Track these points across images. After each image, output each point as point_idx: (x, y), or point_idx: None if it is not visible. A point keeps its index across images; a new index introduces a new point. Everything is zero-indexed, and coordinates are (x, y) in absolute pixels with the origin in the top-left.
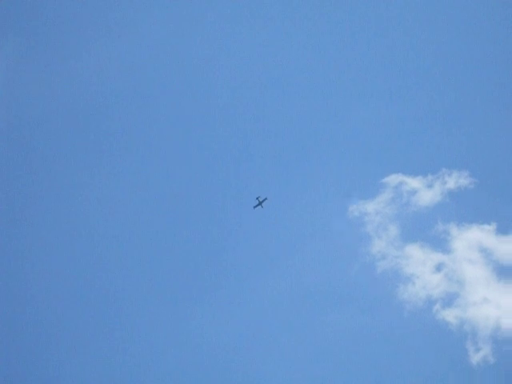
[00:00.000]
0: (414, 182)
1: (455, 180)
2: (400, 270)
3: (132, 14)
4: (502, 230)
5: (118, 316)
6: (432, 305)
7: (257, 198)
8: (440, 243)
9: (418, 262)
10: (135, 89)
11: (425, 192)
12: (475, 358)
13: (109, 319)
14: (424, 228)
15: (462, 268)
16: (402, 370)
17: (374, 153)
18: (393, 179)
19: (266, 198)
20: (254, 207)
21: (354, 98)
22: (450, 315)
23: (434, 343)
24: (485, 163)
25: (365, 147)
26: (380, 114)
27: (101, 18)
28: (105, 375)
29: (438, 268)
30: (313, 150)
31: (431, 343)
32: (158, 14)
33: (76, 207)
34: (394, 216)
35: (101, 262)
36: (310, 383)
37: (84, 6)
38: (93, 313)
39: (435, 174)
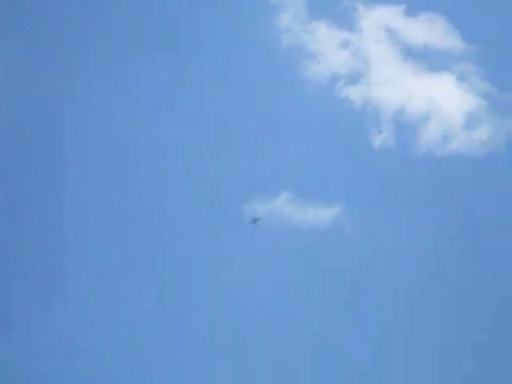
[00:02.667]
0: None
1: None
2: (304, 45)
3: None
4: (411, 12)
5: None
6: (336, 83)
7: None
8: (346, 21)
9: (324, 38)
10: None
11: None
12: (377, 141)
13: None
14: (330, 4)
15: (369, 47)
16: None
17: None
18: None
19: (258, 218)
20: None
21: None
22: (353, 93)
23: (336, 123)
24: None
25: None
26: None
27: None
28: None
29: (344, 46)
30: None
31: (334, 122)
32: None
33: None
34: None
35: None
36: None
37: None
38: None
39: None
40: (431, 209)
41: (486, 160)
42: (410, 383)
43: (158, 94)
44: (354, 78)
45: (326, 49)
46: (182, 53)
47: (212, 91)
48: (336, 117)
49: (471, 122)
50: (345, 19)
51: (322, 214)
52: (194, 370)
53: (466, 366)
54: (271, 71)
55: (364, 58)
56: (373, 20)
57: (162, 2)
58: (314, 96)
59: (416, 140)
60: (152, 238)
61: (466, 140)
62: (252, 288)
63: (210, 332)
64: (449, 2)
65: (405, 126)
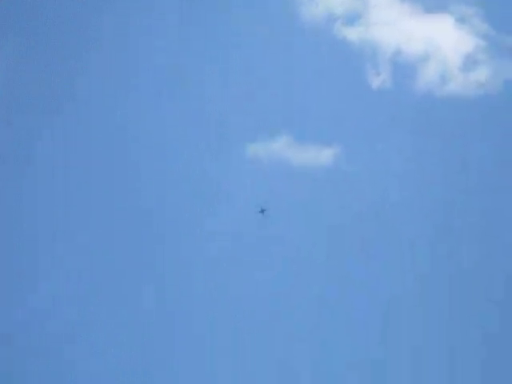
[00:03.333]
0: None
1: None
2: None
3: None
4: None
5: None
6: (333, 24)
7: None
8: None
9: None
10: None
11: None
12: (375, 82)
13: None
14: None
15: None
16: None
17: None
18: None
19: (264, 210)
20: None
21: None
22: (351, 35)
23: (335, 64)
24: None
25: None
26: None
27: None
28: None
29: None
30: None
31: (332, 64)
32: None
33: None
34: None
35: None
36: None
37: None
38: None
39: None
40: (429, 149)
41: (484, 101)
42: (418, 339)
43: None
44: (352, 19)
45: None
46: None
47: (213, 36)
48: (334, 58)
49: (469, 63)
50: None
51: (321, 155)
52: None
53: (476, 316)
54: (269, 13)
55: None
56: None
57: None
58: (312, 37)
59: (414, 81)
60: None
61: (464, 82)
62: (252, 227)
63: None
64: None
65: (403, 68)
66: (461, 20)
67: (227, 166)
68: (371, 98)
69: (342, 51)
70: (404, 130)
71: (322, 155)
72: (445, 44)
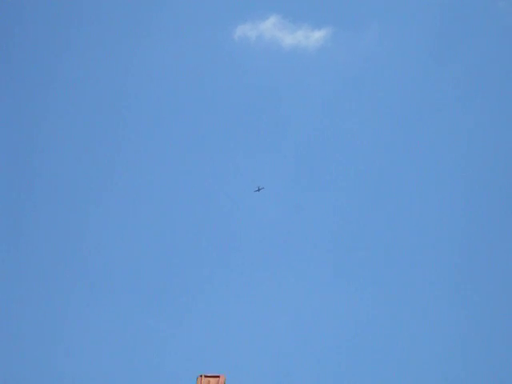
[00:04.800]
0: None
1: None
2: None
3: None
4: None
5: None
6: None
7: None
8: None
9: None
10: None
11: None
12: None
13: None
14: None
15: None
16: None
17: None
18: None
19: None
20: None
21: None
22: None
23: None
24: None
25: None
26: None
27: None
28: None
29: None
30: None
31: None
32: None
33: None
34: None
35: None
36: None
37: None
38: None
39: None
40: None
41: None
42: None
43: None
44: None
45: None
46: None
47: None
48: None
49: None
50: None
51: (311, 37)
52: None
53: None
54: None
55: None
56: None
57: None
58: None
59: None
60: None
61: None
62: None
63: None
64: None
65: None
66: None
67: (215, 47)
68: None
69: None
70: (394, 15)
71: (312, 37)
72: None
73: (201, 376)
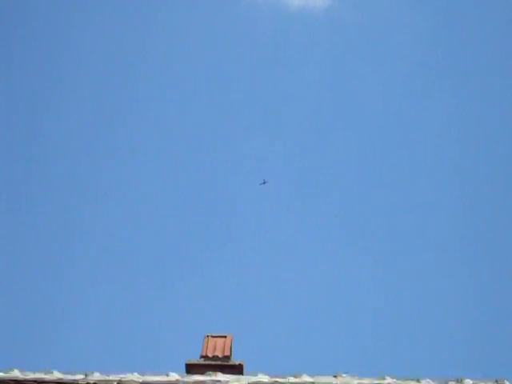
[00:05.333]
0: None
1: None
2: None
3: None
4: None
5: None
6: None
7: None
8: None
9: None
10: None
11: None
12: None
13: None
14: None
15: None
16: None
17: None
18: None
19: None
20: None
21: None
22: None
23: None
24: None
25: None
26: None
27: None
28: None
29: None
30: None
31: None
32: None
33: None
34: None
35: None
36: None
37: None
38: None
39: None
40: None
41: None
42: None
43: None
44: None
45: None
46: None
47: None
48: None
49: None
50: None
51: None
52: None
53: None
54: None
55: None
56: None
57: None
58: None
59: None
60: None
61: None
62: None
63: None
64: None
65: None
66: None
67: (219, 13)
68: None
69: None
70: None
71: None
72: None
73: (207, 336)
